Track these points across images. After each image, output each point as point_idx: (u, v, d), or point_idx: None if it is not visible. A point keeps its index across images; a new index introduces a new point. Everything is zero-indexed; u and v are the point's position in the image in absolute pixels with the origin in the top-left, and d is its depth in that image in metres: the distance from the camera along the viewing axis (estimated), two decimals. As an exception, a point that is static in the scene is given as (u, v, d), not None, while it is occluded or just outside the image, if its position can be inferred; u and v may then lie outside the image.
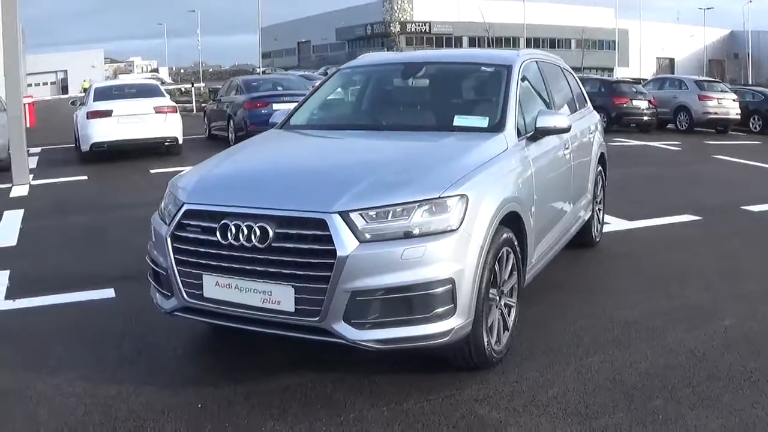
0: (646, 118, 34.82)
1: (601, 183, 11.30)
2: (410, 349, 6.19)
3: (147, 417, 5.82)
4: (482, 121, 7.65)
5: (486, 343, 6.36)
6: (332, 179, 6.38)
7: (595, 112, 11.71)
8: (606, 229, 11.89)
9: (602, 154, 11.22)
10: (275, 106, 21.00)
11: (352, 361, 6.67)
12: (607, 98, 34.15)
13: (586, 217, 10.35)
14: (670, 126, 37.48)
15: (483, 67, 8.83)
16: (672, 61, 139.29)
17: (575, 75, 11.39)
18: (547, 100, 9.03)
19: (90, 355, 7.11)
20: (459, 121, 7.73)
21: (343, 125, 8.52)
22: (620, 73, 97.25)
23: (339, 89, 9.49)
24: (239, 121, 25.63)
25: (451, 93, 8.74)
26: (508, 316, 6.88)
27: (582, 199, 10.01)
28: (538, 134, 7.81)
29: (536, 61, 9.19)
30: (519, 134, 7.59)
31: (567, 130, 7.97)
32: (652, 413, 5.82)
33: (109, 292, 8.96)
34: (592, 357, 6.94)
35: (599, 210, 11.33)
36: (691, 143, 30.16)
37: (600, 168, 11.13)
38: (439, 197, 5.95)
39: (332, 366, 6.65)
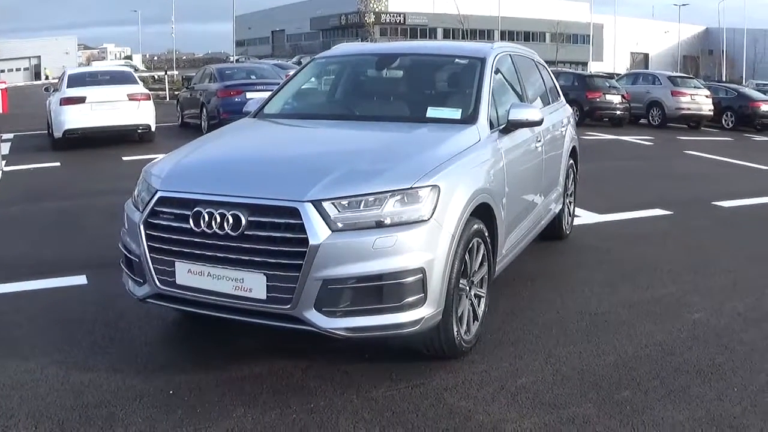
0: (619, 112, 34.92)
1: (572, 176, 11.39)
2: (381, 338, 6.27)
3: (118, 403, 5.84)
4: (455, 113, 7.71)
5: (456, 333, 6.42)
6: (305, 168, 6.41)
7: (567, 105, 11.80)
8: (577, 222, 11.99)
9: (574, 147, 11.31)
10: (249, 95, 21.06)
11: (323, 349, 6.73)
12: (581, 92, 34.28)
13: (557, 210, 10.44)
14: (642, 121, 37.60)
15: (457, 60, 8.88)
16: (646, 56, 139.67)
17: (549, 68, 11.46)
18: (521, 93, 9.09)
19: (62, 342, 7.12)
20: (432, 112, 7.78)
21: (317, 115, 8.56)
22: (594, 68, 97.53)
23: (313, 79, 9.50)
24: (212, 109, 25.58)
25: (424, 84, 8.80)
26: (478, 306, 6.94)
27: (553, 191, 10.09)
28: (511, 127, 7.85)
29: (510, 55, 9.24)
30: (491, 126, 7.65)
31: (539, 123, 8.03)
32: (620, 404, 5.90)
33: (81, 279, 8.98)
34: (560, 348, 7.02)
35: (570, 203, 11.42)
36: (663, 138, 30.27)
37: (571, 161, 11.22)
38: (411, 188, 5.99)
39: (303, 354, 6.70)
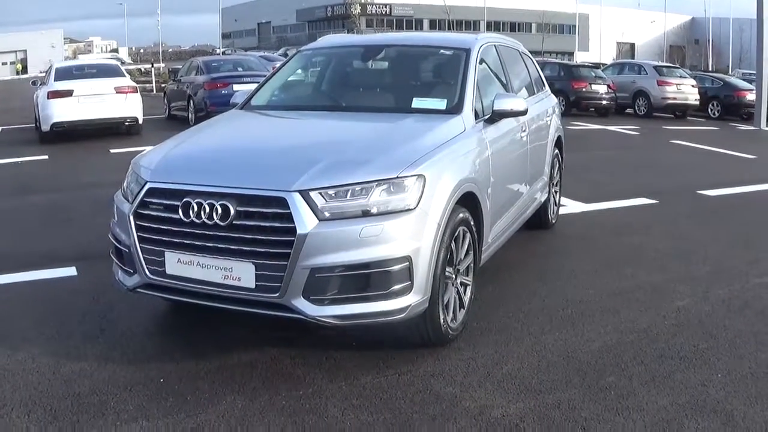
0: (604, 102, 35.05)
1: (557, 165, 11.49)
2: (368, 326, 6.35)
3: (110, 392, 5.90)
4: (440, 104, 7.77)
5: (442, 320, 6.51)
6: (292, 159, 6.48)
7: (552, 95, 11.90)
8: (562, 211, 12.10)
9: (559, 137, 11.40)
10: (236, 87, 21.03)
11: (312, 337, 6.83)
12: (567, 82, 34.39)
13: (543, 199, 10.52)
14: (628, 111, 37.70)
15: (442, 50, 8.94)
16: (632, 46, 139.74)
17: (534, 59, 11.54)
18: (505, 84, 9.16)
19: (52, 332, 7.17)
20: (417, 103, 7.84)
21: (304, 106, 8.63)
22: (580, 58, 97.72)
23: (299, 71, 9.56)
24: (199, 102, 25.64)
25: (410, 75, 8.88)
26: (464, 294, 7.02)
27: (538, 181, 10.16)
28: (496, 117, 7.93)
29: (495, 45, 9.32)
30: (476, 116, 7.73)
31: (524, 113, 8.11)
32: (605, 389, 5.97)
33: (71, 271, 9.01)
34: (546, 335, 7.10)
35: (555, 192, 11.52)
36: (649, 128, 30.36)
37: (557, 151, 11.31)
38: (397, 177, 6.06)
39: (292, 342, 6.78)
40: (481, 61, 8.51)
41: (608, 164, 19.22)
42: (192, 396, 5.83)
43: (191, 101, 26.51)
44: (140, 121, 24.02)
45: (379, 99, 8.52)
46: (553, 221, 11.43)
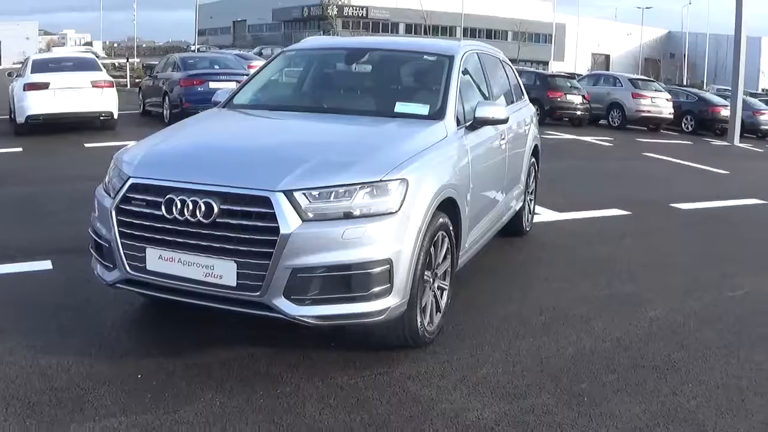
0: (579, 112, 35.22)
1: (533, 174, 11.57)
2: (347, 326, 6.49)
3: (88, 386, 5.92)
4: (423, 109, 7.83)
5: (419, 323, 6.57)
6: (277, 158, 6.52)
7: (530, 104, 12.03)
8: (536, 219, 12.15)
9: (536, 146, 11.50)
10: (212, 85, 21.19)
11: (291, 337, 6.85)
12: (542, 91, 34.45)
13: (518, 207, 10.61)
14: (602, 122, 37.92)
15: (426, 56, 9.01)
16: (608, 57, 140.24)
17: (513, 68, 11.63)
18: (486, 91, 9.25)
19: (29, 326, 7.16)
20: (400, 107, 7.90)
21: (286, 107, 8.63)
22: (555, 67, 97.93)
23: (282, 71, 9.59)
24: (175, 98, 25.56)
25: (393, 80, 8.95)
26: (441, 298, 7.08)
27: (515, 189, 10.25)
28: (477, 124, 8.01)
29: (477, 53, 9.41)
30: (458, 123, 7.79)
31: (504, 121, 8.19)
32: (578, 396, 6.07)
33: (46, 264, 8.99)
34: (520, 341, 7.18)
35: (531, 200, 11.60)
36: (623, 140, 30.56)
37: (533, 159, 11.41)
38: (381, 180, 6.13)
39: (271, 341, 6.81)
40: (464, 68, 8.59)
41: (582, 174, 19.39)
42: (170, 392, 5.86)
43: (167, 97, 26.42)
44: (115, 116, 23.93)
45: (363, 102, 8.57)
46: (528, 229, 11.50)
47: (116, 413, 5.54)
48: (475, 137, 8.05)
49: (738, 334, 7.71)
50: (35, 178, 15.73)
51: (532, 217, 11.84)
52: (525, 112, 11.18)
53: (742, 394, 6.30)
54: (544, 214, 12.99)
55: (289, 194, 5.91)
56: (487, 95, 9.19)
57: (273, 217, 5.85)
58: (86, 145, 20.41)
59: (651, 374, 6.57)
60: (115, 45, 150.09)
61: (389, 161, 6.39)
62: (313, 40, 10.40)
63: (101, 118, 23.68)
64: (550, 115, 34.49)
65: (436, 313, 7.00)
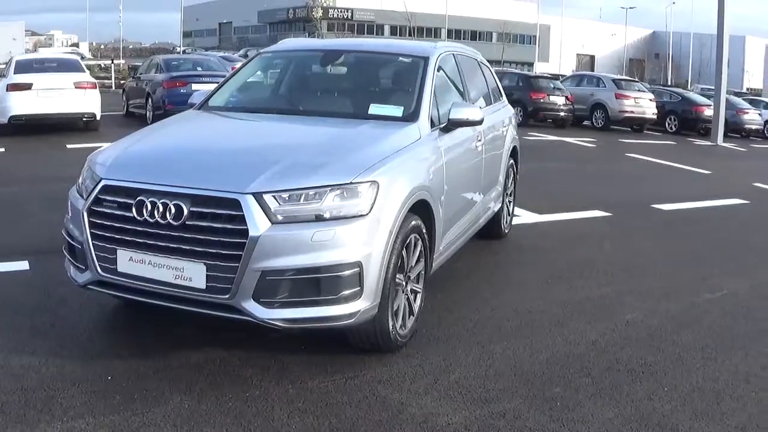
0: (562, 114, 35.20)
1: (512, 176, 11.55)
2: (317, 330, 6.40)
3: (57, 387, 5.89)
4: (397, 111, 7.81)
5: (391, 327, 6.54)
6: (247, 161, 6.53)
7: (509, 106, 11.98)
8: (516, 221, 12.14)
9: (515, 147, 11.47)
10: (195, 87, 21.02)
11: (261, 340, 6.83)
12: (525, 92, 34.51)
13: (496, 209, 10.59)
14: (586, 123, 37.92)
15: (401, 58, 9.01)
16: (592, 58, 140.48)
17: (492, 69, 11.62)
18: (463, 93, 9.24)
19: (2, 326, 7.14)
20: (374, 109, 7.88)
21: (261, 108, 8.61)
22: (540, 68, 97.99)
23: (258, 73, 9.60)
24: (158, 100, 25.51)
25: (368, 81, 8.92)
26: (414, 301, 7.04)
27: (492, 191, 10.23)
28: (451, 125, 7.97)
29: (453, 54, 9.39)
30: (432, 125, 7.77)
31: (479, 122, 8.17)
32: (550, 400, 6.03)
33: (23, 265, 8.96)
34: (494, 344, 7.14)
35: (509, 202, 11.58)
36: (606, 140, 30.61)
37: (512, 161, 11.38)
38: (351, 183, 6.11)
39: (241, 344, 6.79)
40: (440, 69, 8.57)
41: (563, 176, 19.38)
42: (139, 394, 5.83)
43: (150, 99, 26.38)
44: (98, 117, 23.87)
45: (337, 104, 8.56)
46: (506, 231, 11.47)
47: (84, 414, 5.52)
48: (450, 139, 8.02)
49: (715, 337, 7.70)
50: (16, 178, 15.63)
51: (511, 219, 11.81)
52: (503, 113, 11.16)
53: (718, 397, 6.28)
54: (524, 216, 12.98)
55: (258, 197, 5.89)
56: (463, 97, 9.17)
57: (242, 220, 5.84)
58: (68, 146, 20.32)
59: (626, 378, 6.54)
60: (102, 46, 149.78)
61: (360, 163, 6.37)
62: (290, 42, 10.36)
63: (84, 119, 23.62)
64: (534, 116, 34.56)
65: (409, 316, 6.96)
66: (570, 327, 7.72)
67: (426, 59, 8.45)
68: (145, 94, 27.06)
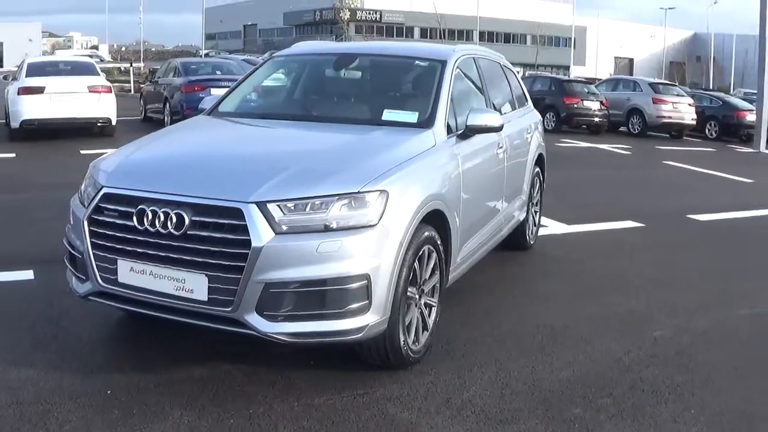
0: (597, 119, 35.10)
1: (538, 185, 11.52)
2: (325, 345, 6.37)
3: (54, 401, 5.91)
4: (411, 117, 7.80)
5: (402, 342, 6.50)
6: (252, 168, 6.52)
7: (535, 111, 11.92)
8: (542, 232, 12.10)
9: (540, 154, 11.42)
10: (213, 91, 21.16)
11: (267, 354, 6.83)
12: (558, 97, 34.55)
13: (521, 219, 10.54)
14: (622, 129, 37.80)
15: (417, 62, 8.99)
16: (631, 61, 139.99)
17: (516, 73, 11.57)
18: (483, 98, 9.22)
19: (3, 337, 7.18)
20: (388, 115, 7.87)
21: (272, 114, 8.62)
22: (576, 72, 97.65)
23: (271, 77, 9.61)
24: (175, 105, 25.67)
25: (382, 86, 8.95)
26: (429, 316, 7.01)
27: (516, 200, 10.19)
28: (469, 132, 7.95)
29: (474, 58, 9.36)
30: (450, 131, 7.76)
31: (499, 128, 8.13)
32: (569, 422, 5.97)
33: (28, 274, 9.04)
34: (513, 362, 7.08)
35: (535, 212, 11.56)
36: (642, 147, 30.45)
37: (537, 169, 11.34)
38: (359, 192, 6.09)
39: (246, 359, 6.78)
40: (458, 73, 8.55)
41: (596, 184, 19.32)
42: (138, 409, 5.84)
43: (167, 103, 26.55)
44: (114, 122, 24.06)
45: (350, 109, 8.59)
46: (532, 242, 11.43)
47: (80, 429, 5.53)
48: (468, 146, 7.99)
49: (749, 356, 7.59)
50: (26, 184, 15.79)
51: (537, 230, 11.78)
52: (528, 119, 11.13)
53: (749, 421, 6.19)
54: (552, 227, 12.94)
55: (261, 206, 5.89)
56: (484, 102, 9.15)
57: (245, 230, 5.84)
58: (82, 151, 20.44)
59: (650, 398, 6.45)
60: (123, 49, 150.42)
61: (369, 171, 6.35)
62: (304, 45, 10.33)
63: (99, 124, 23.81)
64: (567, 122, 34.50)
65: (423, 331, 6.93)
66: (594, 343, 7.64)
67: (443, 63, 8.43)
68: (163, 98, 27.27)
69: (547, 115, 33.03)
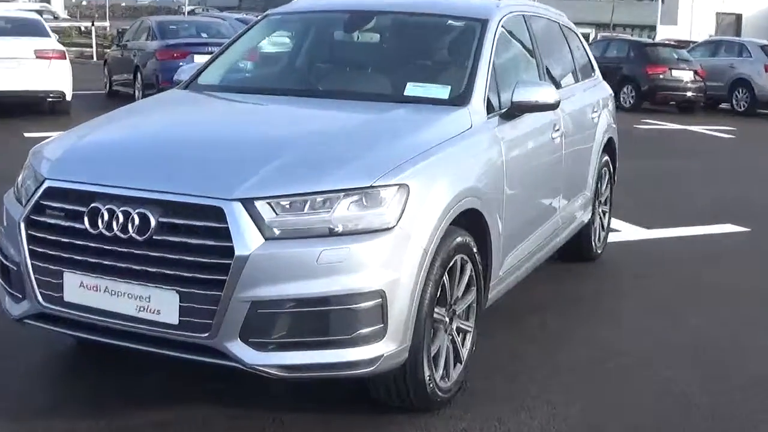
0: (689, 93, 34.95)
1: (607, 177, 11.56)
2: (328, 381, 6.41)
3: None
4: (441, 91, 7.81)
5: (428, 378, 6.45)
6: (237, 157, 6.50)
7: (605, 84, 11.96)
8: (613, 238, 12.12)
9: (610, 139, 11.45)
10: (197, 58, 21.14)
11: (252, 392, 6.85)
12: (638, 66, 34.44)
13: (584, 221, 10.57)
14: (723, 106, 37.59)
15: (450, 21, 9.01)
16: (738, 18, 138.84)
17: (580, 35, 11.57)
18: (535, 67, 9.23)
19: None
20: (412, 89, 7.85)
21: (266, 88, 8.65)
22: (664, 34, 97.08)
23: (265, 41, 9.63)
24: (149, 75, 25.77)
25: (406, 53, 8.93)
26: (462, 344, 6.99)
27: (578, 197, 10.23)
28: (516, 110, 7.93)
29: (524, 16, 9.37)
30: (490, 109, 7.75)
31: (554, 106, 8.11)
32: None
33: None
34: (570, 404, 7.08)
35: (604, 212, 11.60)
36: (748, 129, 30.38)
37: (607, 157, 11.37)
38: (372, 186, 6.02)
39: (228, 398, 6.79)
40: (503, 36, 8.55)
41: (686, 177, 19.31)
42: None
43: (138, 73, 26.57)
44: (68, 97, 24.02)
45: (365, 82, 8.59)
46: (599, 251, 11.47)
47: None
48: (515, 128, 8.01)
49: None
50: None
51: (606, 235, 11.80)
52: (594, 94, 11.17)
53: None
54: (625, 231, 12.97)
55: (248, 204, 5.82)
56: (536, 72, 9.16)
57: (226, 234, 5.77)
58: (26, 134, 20.42)
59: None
60: (83, 2, 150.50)
61: (385, 161, 6.32)
62: (307, 1, 10.34)
63: (49, 99, 23.80)
64: (650, 97, 34.42)
65: (455, 364, 6.91)
66: (673, 382, 7.62)
67: (484, 22, 8.40)
68: (133, 67, 27.33)
69: (624, 90, 33.04)
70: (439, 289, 6.46)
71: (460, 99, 7.66)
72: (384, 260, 5.97)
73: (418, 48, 9.00)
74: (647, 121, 29.34)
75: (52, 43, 24.23)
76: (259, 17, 9.80)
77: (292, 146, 6.64)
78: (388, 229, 6.01)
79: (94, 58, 46.41)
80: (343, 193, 5.96)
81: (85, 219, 6.07)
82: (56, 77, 23.43)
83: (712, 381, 7.69)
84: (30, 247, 6.32)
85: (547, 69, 9.46)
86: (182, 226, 5.92)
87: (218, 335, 5.82)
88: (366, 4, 10.26)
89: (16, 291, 6.59)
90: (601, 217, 11.41)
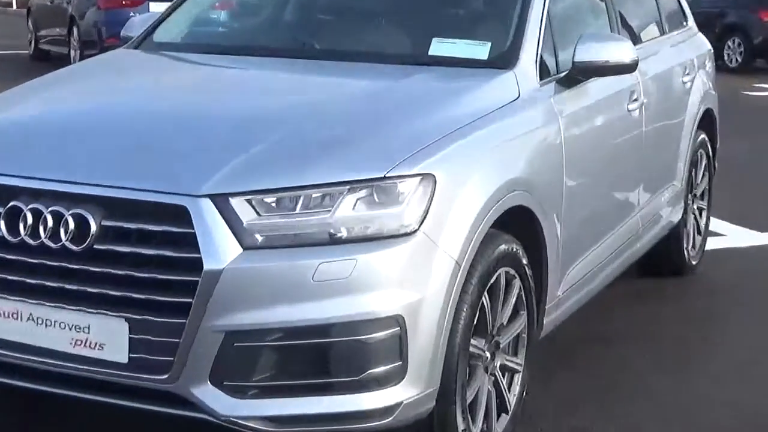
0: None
1: (704, 163, 11.54)
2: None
3: None
4: (479, 49, 7.72)
5: (462, 432, 6.42)
6: (207, 141, 6.42)
7: (701, 37, 11.95)
8: (714, 244, 12.14)
9: (708, 110, 11.42)
10: (153, 6, 21.19)
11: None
12: (747, 11, 34.15)
13: (674, 221, 10.53)
14: None
15: None
16: None
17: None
18: (605, 17, 9.13)
19: None
20: (439, 47, 7.79)
21: (244, 47, 8.63)
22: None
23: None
24: (88, 29, 25.69)
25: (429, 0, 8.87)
26: (508, 387, 6.95)
27: (665, 189, 10.20)
28: (579, 74, 7.85)
29: (588, -54, 9.32)
30: (544, 74, 7.70)
31: (631, 67, 8.04)
32: None
33: None
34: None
35: (700, 210, 11.58)
36: None
37: (704, 136, 11.35)
38: (385, 177, 5.90)
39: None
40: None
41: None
42: None
43: (75, 27, 26.52)
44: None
45: (376, 38, 8.50)
46: (694, 262, 11.43)
47: None
48: (577, 99, 7.95)
49: None
50: None
51: (703, 241, 11.79)
52: (686, 51, 11.16)
53: None
54: (731, 236, 12.96)
55: (221, 201, 5.71)
56: (606, 23, 9.09)
57: (193, 242, 5.65)
58: None
59: None
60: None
61: (404, 143, 6.22)
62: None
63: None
64: (763, 54, 34.27)
65: (499, 414, 6.88)
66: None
67: None
68: (68, 18, 27.18)
69: (728, 44, 32.98)
70: (477, 315, 6.36)
71: (503, 59, 7.58)
72: (402, 276, 5.86)
73: None
74: (761, 85, 29.21)
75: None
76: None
77: (279, 125, 6.58)
78: (407, 234, 5.89)
79: (14, 6, 46.44)
80: (347, 187, 5.84)
81: (1, 223, 5.99)
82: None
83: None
84: None
85: (621, 17, 9.40)
86: (133, 231, 5.82)
87: (181, 377, 5.71)
88: None
89: None
90: (696, 217, 11.42)
